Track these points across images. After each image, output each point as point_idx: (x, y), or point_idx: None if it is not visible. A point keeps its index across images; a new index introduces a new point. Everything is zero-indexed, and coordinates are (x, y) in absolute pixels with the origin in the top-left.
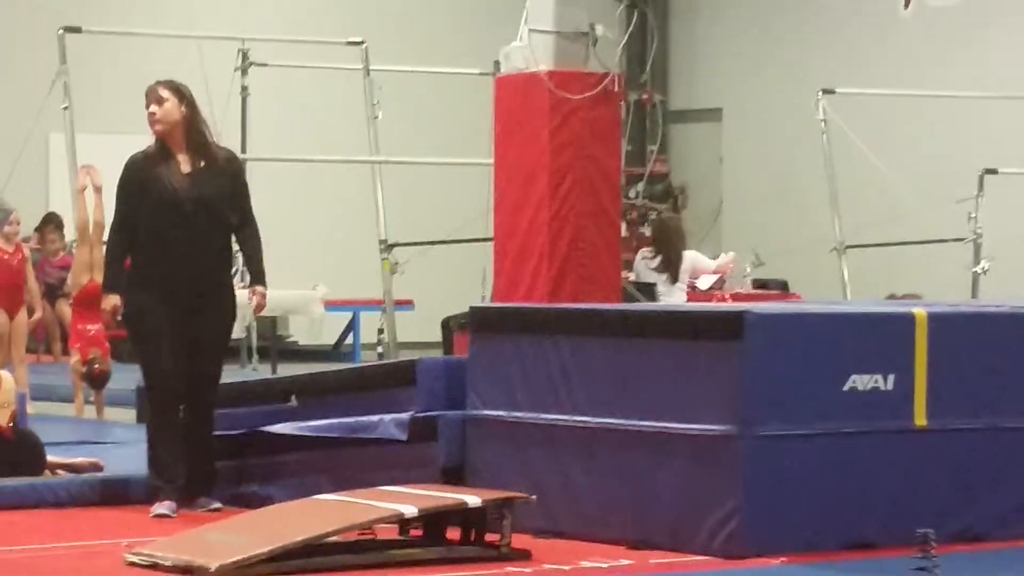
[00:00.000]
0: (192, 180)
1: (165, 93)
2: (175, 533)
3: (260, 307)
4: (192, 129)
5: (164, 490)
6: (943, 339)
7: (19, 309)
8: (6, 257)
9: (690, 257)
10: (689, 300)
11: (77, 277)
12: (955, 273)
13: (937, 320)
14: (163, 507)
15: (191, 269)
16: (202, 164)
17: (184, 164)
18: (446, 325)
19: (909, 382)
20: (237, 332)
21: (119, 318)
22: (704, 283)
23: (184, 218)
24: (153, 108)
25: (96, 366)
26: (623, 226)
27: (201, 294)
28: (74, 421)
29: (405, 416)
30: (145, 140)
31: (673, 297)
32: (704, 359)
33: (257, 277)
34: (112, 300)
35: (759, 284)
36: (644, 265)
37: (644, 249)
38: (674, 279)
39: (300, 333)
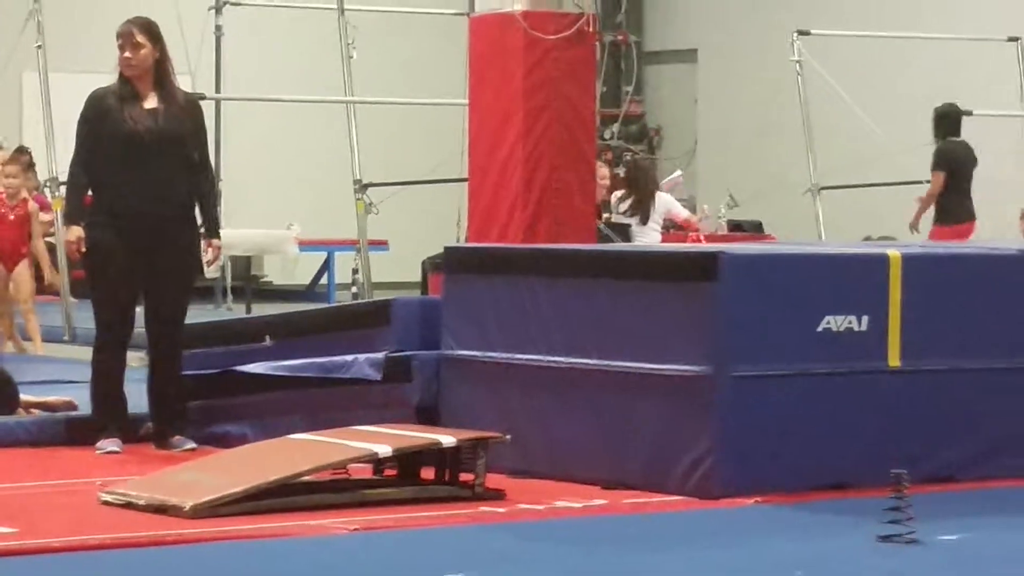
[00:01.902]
0: (154, 116)
1: (141, 38)
2: (149, 472)
3: (215, 260)
4: (160, 69)
5: (109, 427)
6: (917, 280)
7: (20, 260)
8: (3, 210)
9: (664, 200)
10: (664, 241)
11: None
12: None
13: (911, 261)
14: (110, 443)
15: (152, 205)
16: (164, 103)
17: (147, 101)
18: (424, 266)
19: (883, 323)
20: (211, 272)
21: (83, 250)
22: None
23: (145, 152)
24: (129, 54)
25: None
26: (598, 167)
27: (162, 230)
28: (47, 360)
29: (379, 356)
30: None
31: (647, 238)
32: (678, 300)
33: (211, 228)
34: (75, 231)
35: (734, 225)
36: (616, 207)
37: (617, 191)
38: (644, 220)
39: (274, 273)
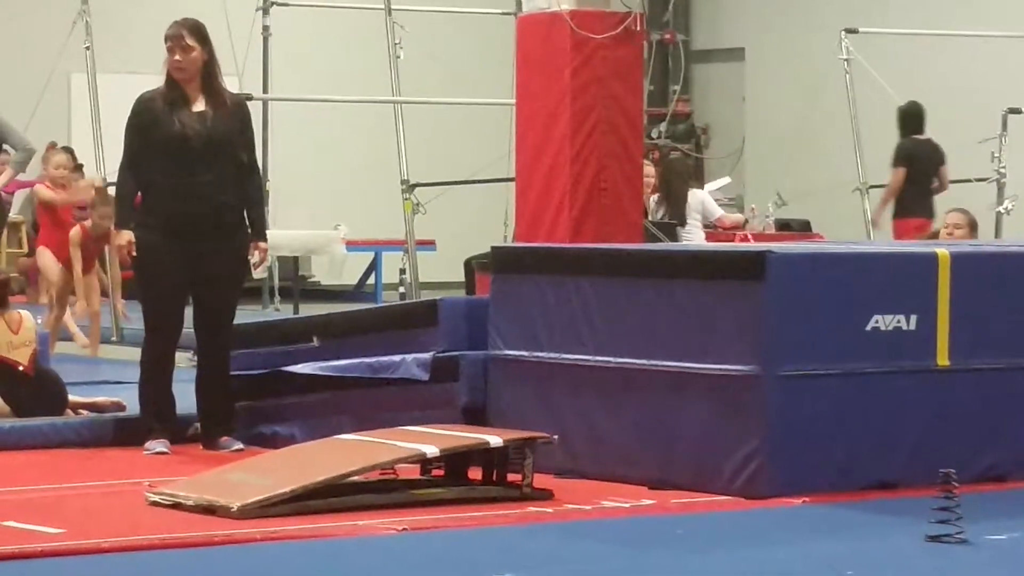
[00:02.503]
0: (203, 119)
1: (191, 41)
2: (197, 473)
3: (262, 263)
4: (208, 71)
5: (157, 428)
6: (966, 279)
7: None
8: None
9: (699, 197)
10: (709, 240)
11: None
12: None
13: (960, 260)
14: (158, 444)
15: (201, 207)
16: (213, 105)
17: (195, 104)
18: (468, 265)
19: (932, 322)
20: (259, 273)
21: (133, 254)
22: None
23: (194, 156)
24: (179, 57)
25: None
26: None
27: (211, 233)
28: (96, 361)
29: (427, 356)
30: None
31: (692, 237)
32: (726, 299)
33: (258, 230)
34: (126, 235)
35: (782, 224)
36: (654, 209)
37: (655, 194)
38: (680, 222)
39: (322, 273)
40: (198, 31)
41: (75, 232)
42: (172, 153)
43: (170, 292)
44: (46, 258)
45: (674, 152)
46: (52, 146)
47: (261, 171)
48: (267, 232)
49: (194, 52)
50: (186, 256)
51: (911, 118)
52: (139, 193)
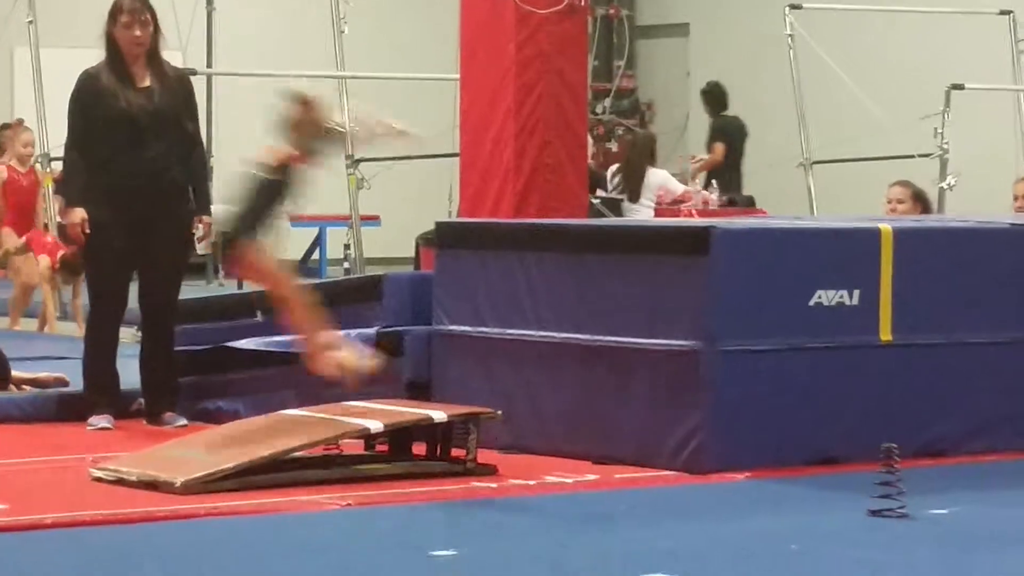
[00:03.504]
0: (148, 94)
1: (148, 16)
2: (140, 449)
3: (206, 237)
4: (153, 47)
5: (100, 403)
6: (909, 254)
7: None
8: (18, 178)
9: (660, 176)
10: (656, 216)
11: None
12: (922, 188)
13: (903, 235)
14: (102, 420)
15: (147, 183)
16: (157, 80)
17: (139, 79)
18: (419, 242)
19: (874, 297)
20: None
21: (87, 231)
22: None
23: (140, 132)
24: (139, 32)
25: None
26: (589, 142)
27: (158, 209)
28: (41, 337)
29: (371, 331)
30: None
31: (638, 215)
32: (670, 275)
33: (203, 204)
34: (78, 213)
35: (726, 200)
36: (610, 180)
37: (612, 166)
38: (633, 198)
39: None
40: (151, 6)
41: (45, 265)
42: (118, 130)
43: (115, 268)
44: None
45: (620, 126)
46: (19, 123)
47: (205, 146)
48: (211, 207)
49: (150, 27)
50: (132, 232)
51: (714, 96)
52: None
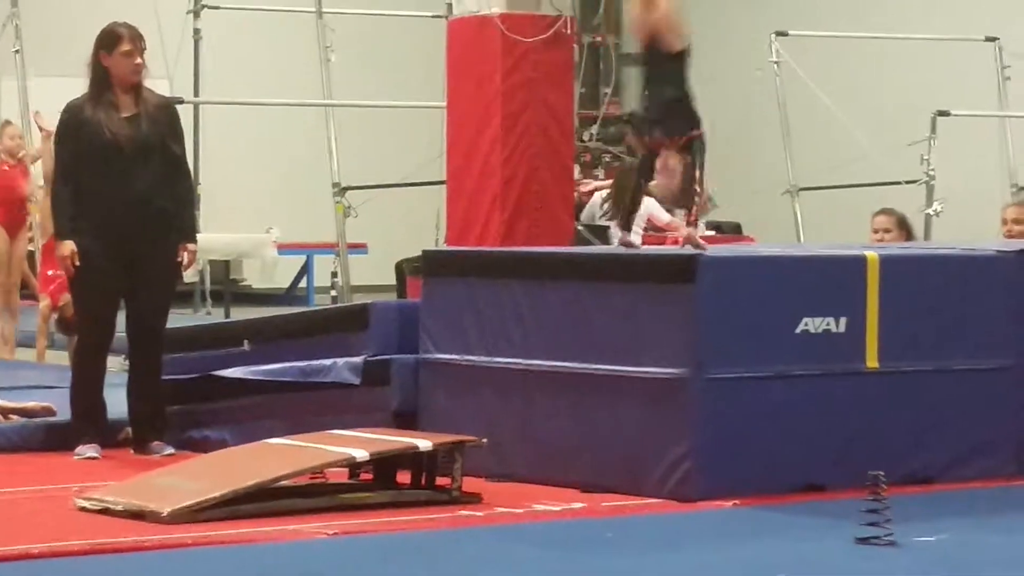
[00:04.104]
0: (133, 123)
1: (144, 44)
2: (126, 478)
3: (190, 265)
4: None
5: (87, 432)
6: (895, 281)
7: (20, 230)
8: (7, 169)
9: (647, 204)
10: (644, 243)
11: (45, 223)
12: (908, 215)
13: (889, 262)
14: (89, 449)
15: (134, 212)
16: (142, 109)
17: (123, 108)
18: (399, 268)
19: (861, 324)
20: (189, 276)
21: (77, 264)
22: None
23: (126, 162)
24: (140, 60)
25: (69, 313)
26: (576, 169)
27: (145, 237)
28: (29, 366)
29: (358, 360)
30: None
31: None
32: (657, 302)
33: (187, 233)
34: (68, 245)
35: (713, 227)
36: (600, 206)
37: (602, 191)
38: (624, 227)
39: (254, 277)
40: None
41: (45, 304)
42: (104, 159)
43: (103, 297)
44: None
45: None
46: (6, 122)
47: (192, 174)
48: (198, 235)
49: (145, 52)
50: (119, 261)
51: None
52: None
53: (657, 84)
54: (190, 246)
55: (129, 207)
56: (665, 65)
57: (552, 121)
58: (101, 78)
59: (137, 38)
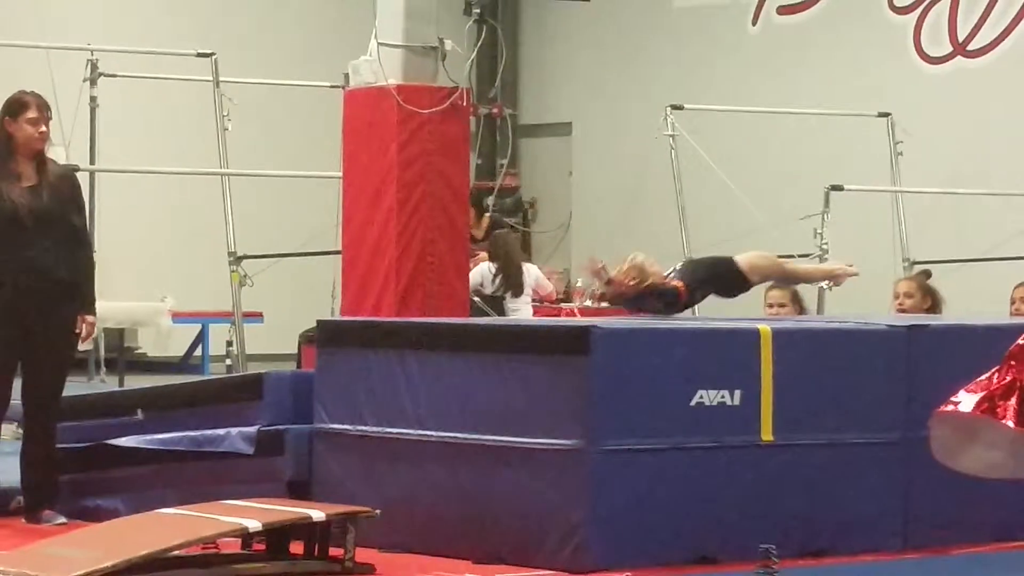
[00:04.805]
0: (34, 194)
1: (49, 113)
2: (18, 547)
3: (88, 336)
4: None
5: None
6: (788, 355)
7: None
8: None
9: (533, 273)
10: (536, 314)
11: None
12: (801, 288)
13: (782, 336)
14: None
15: (32, 281)
16: (43, 178)
17: (25, 178)
18: (301, 340)
19: (755, 397)
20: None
21: None
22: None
23: (26, 232)
24: (45, 128)
25: None
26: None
27: (42, 305)
28: None
29: (252, 429)
30: None
31: (521, 312)
32: (551, 374)
33: (87, 304)
34: None
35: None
36: (488, 280)
37: (488, 264)
38: (517, 293)
39: (148, 345)
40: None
41: None
42: (4, 229)
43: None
44: None
45: (506, 226)
46: None
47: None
48: (95, 305)
49: (51, 122)
50: (16, 327)
51: None
52: None
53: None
54: (89, 317)
55: (26, 276)
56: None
57: (448, 192)
58: (4, 145)
59: (44, 107)
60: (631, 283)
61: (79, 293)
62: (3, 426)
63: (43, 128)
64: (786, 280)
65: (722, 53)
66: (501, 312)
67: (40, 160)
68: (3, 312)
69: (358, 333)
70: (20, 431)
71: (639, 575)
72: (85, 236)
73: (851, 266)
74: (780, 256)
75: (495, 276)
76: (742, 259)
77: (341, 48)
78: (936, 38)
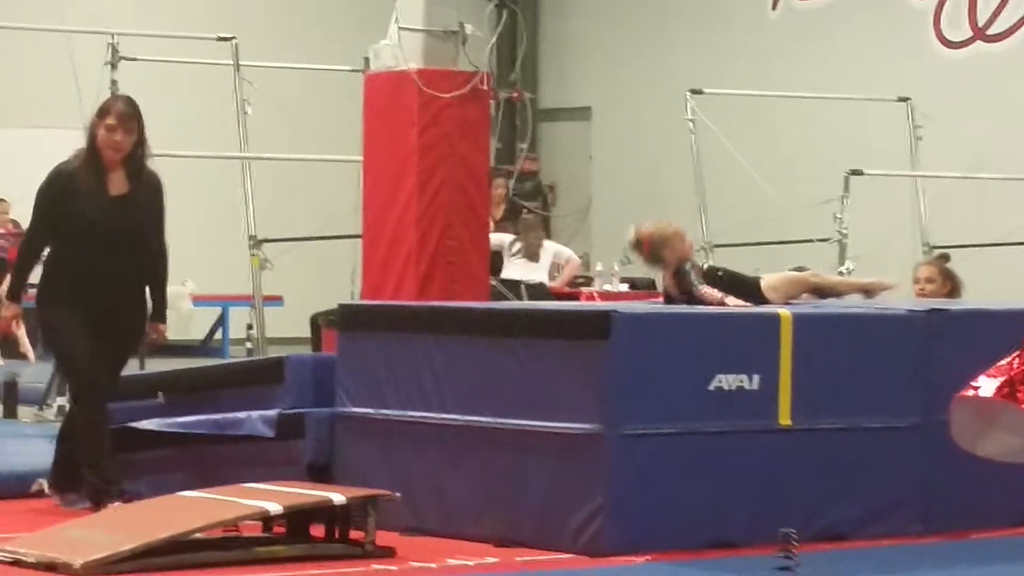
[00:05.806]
0: (118, 205)
1: (134, 124)
2: (39, 529)
3: (155, 344)
4: (134, 152)
5: (110, 492)
6: (808, 339)
7: None
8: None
9: (552, 248)
10: (557, 296)
11: None
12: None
13: (802, 320)
14: (75, 499)
15: (106, 290)
16: (134, 188)
17: (113, 185)
18: (314, 321)
19: (774, 382)
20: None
21: (15, 332)
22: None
23: (104, 244)
24: (120, 138)
25: None
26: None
27: (114, 316)
28: None
29: (272, 413)
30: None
31: (535, 275)
32: (571, 358)
33: (159, 312)
34: (12, 309)
35: (627, 283)
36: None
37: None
38: (534, 259)
39: (169, 328)
40: (140, 115)
41: None
42: (82, 236)
43: (88, 358)
44: None
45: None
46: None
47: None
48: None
49: (133, 136)
50: (90, 326)
51: None
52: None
53: None
54: (160, 326)
55: (101, 285)
56: None
57: (468, 176)
58: (90, 147)
59: (126, 116)
60: (649, 237)
61: (152, 301)
62: (23, 409)
63: (117, 137)
64: (819, 295)
65: (742, 38)
66: (519, 296)
67: (134, 168)
68: (77, 311)
69: (379, 317)
70: (41, 414)
71: (658, 559)
72: (163, 248)
73: (886, 279)
74: (801, 240)
75: (512, 244)
76: (764, 281)
77: (362, 32)
78: (956, 23)
